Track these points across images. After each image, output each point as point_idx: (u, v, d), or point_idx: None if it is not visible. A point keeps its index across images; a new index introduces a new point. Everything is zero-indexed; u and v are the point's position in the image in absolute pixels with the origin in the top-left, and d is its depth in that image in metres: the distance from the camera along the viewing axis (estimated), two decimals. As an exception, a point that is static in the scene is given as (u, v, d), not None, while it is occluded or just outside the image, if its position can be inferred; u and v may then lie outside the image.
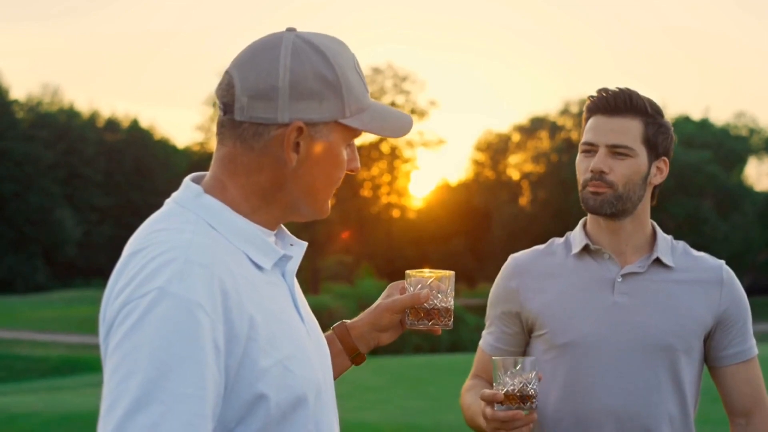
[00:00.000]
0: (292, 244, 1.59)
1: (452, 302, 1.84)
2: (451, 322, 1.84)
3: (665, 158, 2.27)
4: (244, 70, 1.48)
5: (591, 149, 2.22)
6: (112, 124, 52.90)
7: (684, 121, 48.36)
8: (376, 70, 48.53)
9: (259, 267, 1.48)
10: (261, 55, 1.48)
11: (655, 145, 2.23)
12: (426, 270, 1.85)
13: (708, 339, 2.26)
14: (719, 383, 2.30)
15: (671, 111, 57.77)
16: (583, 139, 2.24)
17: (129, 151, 50.71)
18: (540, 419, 2.25)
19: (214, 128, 1.53)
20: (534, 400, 1.93)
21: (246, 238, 1.47)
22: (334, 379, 1.84)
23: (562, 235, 2.37)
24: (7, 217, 45.81)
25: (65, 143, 48.61)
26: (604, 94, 2.23)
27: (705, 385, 2.32)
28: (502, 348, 2.34)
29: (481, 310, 2.39)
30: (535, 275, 2.29)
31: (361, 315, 1.86)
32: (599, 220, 2.26)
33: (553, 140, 47.66)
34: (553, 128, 47.91)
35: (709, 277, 2.26)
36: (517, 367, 1.93)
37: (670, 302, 2.22)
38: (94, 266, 45.75)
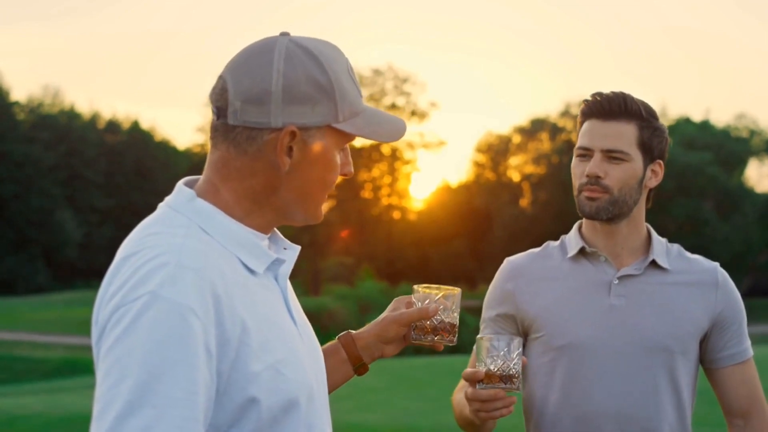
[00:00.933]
0: (285, 248, 1.59)
1: (457, 319, 1.86)
2: (455, 339, 1.86)
3: (660, 161, 2.27)
4: (237, 74, 1.48)
5: (586, 153, 2.22)
6: (112, 125, 52.94)
7: (684, 123, 48.39)
8: (377, 72, 48.54)
9: (251, 271, 1.48)
10: (254, 60, 1.48)
11: (650, 149, 2.23)
12: (433, 286, 1.87)
13: (704, 341, 2.27)
14: (716, 385, 2.31)
15: (672, 112, 57.71)
16: (578, 144, 2.25)
17: (130, 152, 50.75)
18: (538, 421, 2.26)
19: None
20: (516, 381, 1.92)
21: (238, 241, 1.47)
22: (336, 388, 1.85)
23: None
24: (7, 218, 45.83)
25: (66, 145, 48.64)
26: (598, 99, 2.23)
27: (703, 387, 2.32)
28: None
29: (481, 312, 2.39)
30: (531, 278, 2.30)
31: (367, 326, 1.87)
32: (595, 224, 2.27)
33: (553, 142, 47.68)
34: (554, 130, 47.92)
35: (704, 279, 2.27)
36: (500, 347, 1.92)
37: (667, 304, 2.23)
38: (94, 268, 45.75)
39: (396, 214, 50.10)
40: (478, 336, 1.98)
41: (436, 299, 1.84)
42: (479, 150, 51.11)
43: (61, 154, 48.26)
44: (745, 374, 2.29)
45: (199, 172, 1.57)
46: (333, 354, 1.85)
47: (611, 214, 2.21)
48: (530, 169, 48.97)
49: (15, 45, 76.50)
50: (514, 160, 50.28)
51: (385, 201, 49.62)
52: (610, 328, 2.21)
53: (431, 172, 71.51)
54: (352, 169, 1.58)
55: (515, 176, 50.35)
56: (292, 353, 1.47)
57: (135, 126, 53.07)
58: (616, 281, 2.23)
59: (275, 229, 1.60)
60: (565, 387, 2.22)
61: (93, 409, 1.30)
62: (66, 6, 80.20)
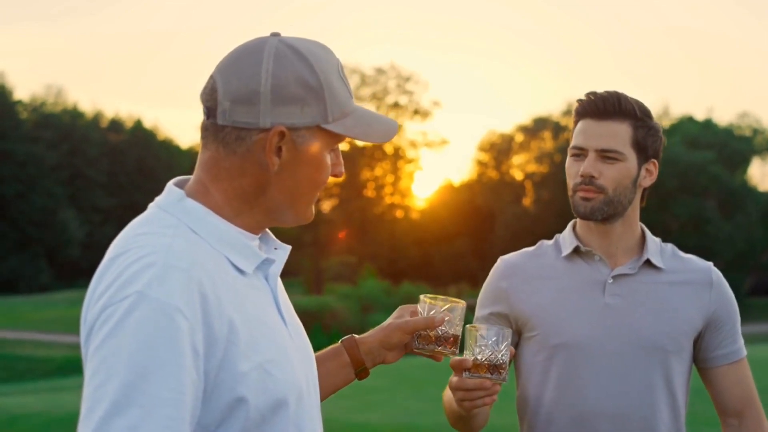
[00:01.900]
0: (276, 248, 1.60)
1: (460, 332, 1.88)
2: (457, 350, 1.87)
3: (654, 160, 2.26)
4: (226, 74, 1.48)
5: (580, 153, 2.22)
6: (115, 124, 52.98)
7: (687, 122, 48.34)
8: (379, 70, 48.54)
9: (240, 271, 1.48)
10: (244, 60, 1.48)
11: (644, 148, 2.22)
12: (440, 297, 1.88)
13: (698, 340, 2.27)
14: (710, 384, 2.31)
15: (674, 111, 57.62)
16: (572, 143, 2.25)
17: (132, 151, 50.78)
18: (532, 421, 2.26)
19: None
20: (503, 371, 1.92)
21: (227, 242, 1.47)
22: (336, 391, 1.86)
23: None
24: (10, 217, 45.87)
25: (69, 144, 48.68)
26: (592, 98, 2.23)
27: (700, 386, 2.32)
28: None
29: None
30: (525, 277, 2.30)
31: (371, 331, 1.88)
32: (589, 223, 2.27)
33: (556, 140, 47.65)
34: (556, 128, 47.89)
35: (698, 279, 2.27)
36: (489, 336, 1.92)
37: (661, 303, 2.23)
38: (97, 267, 45.64)
39: (399, 213, 50.09)
40: (468, 325, 1.98)
41: (442, 311, 1.85)
42: (482, 149, 51.09)
43: (64, 154, 48.30)
44: (739, 374, 2.29)
45: None
46: (335, 357, 1.86)
47: (606, 214, 2.21)
48: (533, 167, 48.94)
49: (17, 45, 76.58)
50: (517, 159, 50.27)
51: (387, 200, 49.61)
52: (604, 328, 2.21)
53: (434, 171, 71.55)
54: (343, 170, 1.59)
55: (518, 175, 50.32)
56: (281, 353, 1.47)
57: (138, 125, 53.10)
58: (611, 280, 2.24)
59: (267, 229, 1.60)
60: (560, 386, 2.22)
61: (81, 408, 1.31)
62: (68, 5, 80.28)
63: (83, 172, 49.02)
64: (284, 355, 1.48)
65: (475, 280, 46.21)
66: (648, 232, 2.31)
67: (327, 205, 48.30)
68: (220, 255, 1.46)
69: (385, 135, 1.58)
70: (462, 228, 47.85)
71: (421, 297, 1.89)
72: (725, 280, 2.32)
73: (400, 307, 1.93)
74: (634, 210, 2.27)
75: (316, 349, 1.98)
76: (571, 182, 2.24)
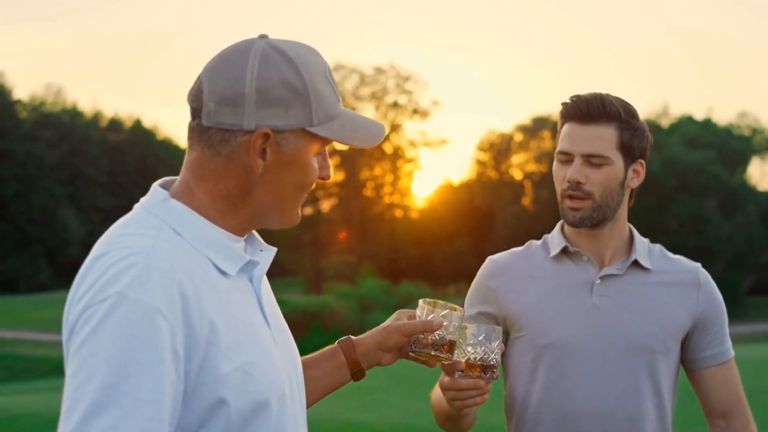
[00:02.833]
0: (261, 250, 1.60)
1: (457, 338, 1.88)
2: (453, 356, 1.87)
3: (642, 161, 2.25)
4: (212, 75, 1.49)
5: (567, 158, 2.22)
6: (115, 124, 52.98)
7: (687, 121, 48.33)
8: (379, 70, 48.55)
9: (223, 272, 1.48)
10: (230, 62, 1.48)
11: (630, 150, 2.21)
12: (439, 302, 1.88)
13: (685, 341, 2.27)
14: (697, 385, 2.31)
15: (674, 111, 57.61)
16: (558, 148, 2.24)
17: (132, 151, 50.79)
18: (520, 420, 2.26)
19: None
20: (495, 371, 1.93)
21: (210, 243, 1.47)
22: (331, 392, 1.86)
23: None
24: (10, 217, 45.87)
25: (68, 143, 48.67)
26: (576, 101, 2.21)
27: (688, 386, 2.32)
28: None
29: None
30: (514, 277, 2.30)
31: (369, 333, 1.88)
32: None
33: (555, 140, 47.62)
34: (556, 128, 47.69)
35: (686, 280, 2.27)
36: (480, 336, 1.93)
37: (648, 304, 2.23)
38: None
39: (398, 213, 50.11)
40: (462, 324, 1.97)
41: (440, 316, 1.85)
42: (481, 148, 51.12)
43: (64, 153, 48.29)
44: (726, 375, 2.29)
45: None
46: (331, 357, 1.85)
47: (595, 221, 2.21)
48: (532, 167, 48.95)
49: (17, 44, 76.57)
50: (516, 159, 50.29)
51: (387, 199, 49.62)
52: (592, 328, 2.21)
53: (433, 170, 71.56)
54: (331, 173, 1.59)
55: (517, 174, 50.34)
56: (263, 355, 1.47)
57: (137, 125, 53.10)
58: (598, 281, 2.24)
59: (253, 231, 1.60)
60: (547, 386, 2.22)
61: (61, 408, 1.32)
62: (68, 5, 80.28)
63: (83, 172, 49.02)
64: (266, 357, 1.48)
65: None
66: (636, 233, 2.31)
67: (326, 205, 48.31)
68: (202, 256, 1.46)
69: (371, 139, 1.57)
70: (461, 227, 47.86)
71: (420, 302, 1.89)
72: (713, 281, 2.32)
73: (398, 310, 1.93)
74: (623, 211, 2.27)
75: (315, 348, 1.98)
76: (558, 187, 2.23)
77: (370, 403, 11.67)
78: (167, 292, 1.35)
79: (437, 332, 1.82)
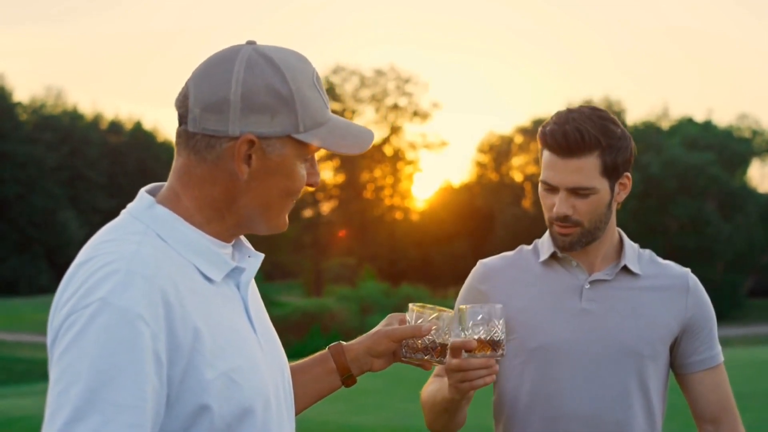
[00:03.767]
0: (250, 256, 1.60)
1: (449, 341, 1.86)
2: (445, 360, 1.86)
3: (627, 173, 2.23)
4: (198, 81, 1.49)
5: (552, 188, 2.19)
6: (115, 126, 52.99)
7: (687, 123, 48.35)
8: (379, 72, 48.55)
9: (208, 279, 1.48)
10: (216, 68, 1.49)
11: (615, 171, 2.18)
12: (428, 306, 1.87)
13: (674, 346, 2.28)
14: (687, 390, 2.31)
15: (674, 112, 57.55)
16: (542, 177, 2.21)
17: (132, 153, 50.80)
18: (508, 423, 2.27)
19: None
20: (503, 347, 1.93)
21: (196, 249, 1.48)
22: (322, 398, 1.85)
23: None
24: (10, 219, 45.87)
25: (69, 145, 48.68)
26: (554, 133, 2.16)
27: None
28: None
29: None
30: (504, 281, 2.30)
31: (359, 338, 1.87)
32: None
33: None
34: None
35: (675, 284, 2.27)
36: (479, 316, 1.92)
37: (637, 309, 2.24)
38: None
39: (398, 215, 50.12)
40: (460, 306, 1.97)
41: (429, 319, 1.84)
42: (481, 150, 51.14)
43: (64, 155, 48.30)
44: (716, 379, 2.29)
45: None
46: (321, 363, 1.85)
47: (585, 244, 2.21)
48: (532, 169, 48.94)
49: (17, 46, 76.60)
50: (516, 161, 50.30)
51: (387, 201, 49.63)
52: (581, 332, 2.22)
53: (433, 172, 71.33)
54: (319, 180, 1.58)
55: (517, 176, 50.35)
56: (248, 361, 1.47)
57: (137, 127, 53.11)
58: (588, 286, 2.24)
59: (242, 237, 1.61)
60: (536, 389, 2.22)
61: (45, 414, 1.33)
62: (68, 7, 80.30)
63: (83, 174, 49.02)
64: (252, 364, 1.48)
65: (475, 281, 46.10)
66: (626, 238, 2.31)
67: (327, 207, 48.31)
68: (187, 262, 1.46)
69: (359, 146, 1.57)
70: (461, 229, 47.86)
71: (410, 306, 1.88)
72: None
73: (389, 315, 1.92)
74: (612, 222, 2.26)
75: (314, 350, 1.98)
76: (546, 213, 2.23)
77: (368, 406, 11.66)
78: (150, 298, 1.35)
79: (427, 337, 1.82)
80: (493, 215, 47.66)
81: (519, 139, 49.80)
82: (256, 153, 1.47)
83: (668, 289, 2.27)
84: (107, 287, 1.34)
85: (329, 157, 46.05)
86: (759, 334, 31.74)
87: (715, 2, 78.00)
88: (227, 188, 1.49)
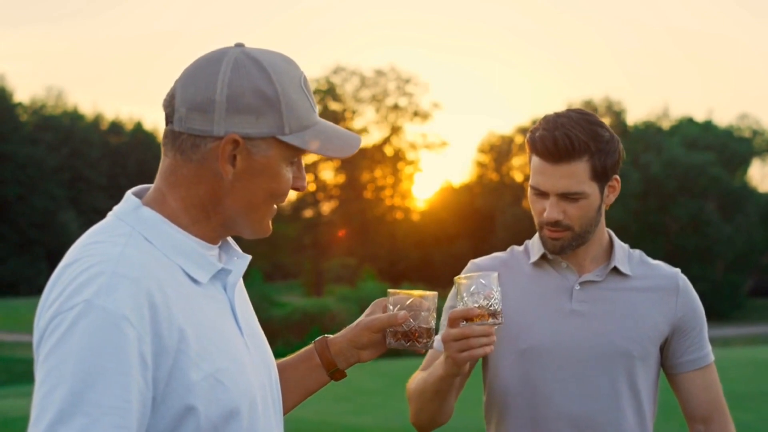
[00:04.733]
0: (237, 258, 1.60)
1: (433, 323, 1.83)
2: (430, 343, 1.83)
3: (616, 176, 2.23)
4: (185, 82, 1.50)
5: (541, 193, 2.19)
6: (116, 126, 53.02)
7: (687, 123, 48.35)
8: (379, 73, 48.55)
9: (194, 280, 1.48)
10: (203, 69, 1.49)
11: (604, 174, 2.18)
12: (402, 291, 1.85)
13: (665, 346, 2.28)
14: (678, 390, 2.31)
15: (674, 112, 57.55)
16: (531, 182, 2.21)
17: (133, 154, 50.80)
18: (499, 424, 2.27)
19: None
20: (501, 316, 1.92)
21: (181, 251, 1.48)
22: (312, 393, 1.84)
23: None
24: (11, 220, 45.87)
25: (69, 146, 48.70)
26: (543, 139, 2.16)
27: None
28: None
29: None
30: None
31: (343, 331, 1.85)
32: None
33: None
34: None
35: (665, 285, 2.28)
36: (482, 284, 1.91)
37: (628, 310, 2.24)
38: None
39: (398, 215, 50.12)
40: (456, 277, 1.96)
41: (409, 303, 1.81)
42: (482, 150, 51.14)
43: (65, 156, 48.31)
44: (706, 379, 2.29)
45: None
46: (307, 359, 1.84)
47: (574, 247, 2.22)
48: (533, 169, 48.93)
49: (18, 47, 76.62)
50: (517, 161, 50.28)
51: (387, 202, 49.63)
52: (570, 333, 2.22)
53: (434, 172, 71.42)
54: (306, 184, 1.58)
55: (518, 177, 50.33)
56: (234, 363, 1.47)
57: (138, 127, 53.12)
58: (578, 287, 2.24)
59: (229, 238, 1.61)
60: (525, 390, 2.22)
61: (30, 416, 1.33)
62: (70, 9, 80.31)
63: (84, 175, 49.03)
64: (238, 365, 1.48)
65: (476, 281, 46.06)
66: (615, 239, 2.32)
67: (327, 207, 48.30)
68: (173, 264, 1.46)
69: (346, 150, 1.56)
70: (462, 230, 47.87)
71: (389, 291, 1.86)
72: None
73: (373, 302, 1.89)
74: (601, 224, 2.26)
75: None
76: (536, 218, 2.22)
77: (368, 406, 11.66)
78: (135, 299, 1.36)
79: (410, 322, 1.79)
80: (493, 215, 47.65)
81: (519, 139, 49.78)
82: (240, 153, 1.48)
83: (658, 290, 2.27)
84: (92, 289, 1.35)
85: (330, 157, 45.99)
86: (759, 334, 31.70)
87: (715, 3, 78.03)
88: (212, 189, 1.49)
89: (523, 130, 49.50)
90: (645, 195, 42.30)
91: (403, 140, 49.01)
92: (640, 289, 2.26)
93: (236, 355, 1.49)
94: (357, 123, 47.98)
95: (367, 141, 48.07)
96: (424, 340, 1.81)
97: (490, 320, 1.89)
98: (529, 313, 2.25)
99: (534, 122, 2.30)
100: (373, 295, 30.55)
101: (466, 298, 1.92)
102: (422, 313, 1.81)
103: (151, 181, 1.58)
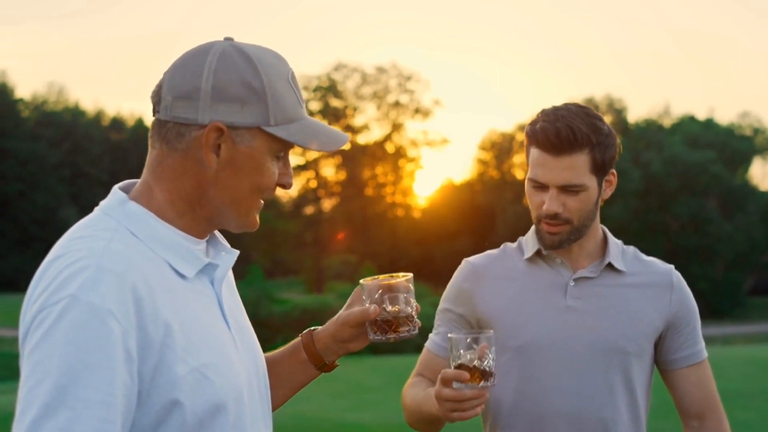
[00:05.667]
0: (225, 253, 1.59)
1: (412, 307, 1.76)
2: (413, 329, 1.76)
3: (613, 170, 2.23)
4: (173, 72, 1.50)
5: (541, 186, 2.18)
6: (117, 123, 53.03)
7: (688, 121, 48.30)
8: (381, 70, 48.52)
9: (181, 275, 1.48)
10: (190, 59, 1.50)
11: (603, 167, 2.19)
12: (368, 281, 1.77)
13: (659, 342, 2.28)
14: (671, 386, 2.31)
15: (676, 110, 57.48)
16: (530, 174, 2.19)
17: (134, 150, 50.77)
18: (494, 421, 2.27)
19: None
20: (493, 378, 1.88)
21: (167, 245, 1.48)
22: (302, 387, 1.82)
23: None
24: (12, 216, 45.89)
25: (70, 142, 48.71)
26: (545, 131, 2.14)
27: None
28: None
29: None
30: (489, 279, 2.30)
31: (327, 325, 1.81)
32: None
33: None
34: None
35: (659, 281, 2.28)
36: (477, 344, 1.88)
37: (622, 306, 2.24)
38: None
39: (399, 212, 50.10)
40: (450, 335, 1.94)
41: (379, 293, 1.74)
42: (483, 148, 51.12)
43: (66, 152, 48.32)
44: (700, 376, 2.29)
45: None
46: (293, 355, 1.82)
47: (572, 242, 2.21)
48: (534, 167, 48.90)
49: (20, 44, 76.62)
50: (518, 158, 50.24)
51: (388, 199, 49.61)
52: (565, 330, 2.21)
53: (435, 170, 71.50)
54: (292, 182, 1.57)
55: (519, 174, 50.27)
56: (221, 358, 1.47)
57: (139, 123, 53.12)
58: (572, 283, 2.24)
59: (217, 233, 1.61)
60: (520, 387, 2.22)
61: (16, 411, 1.33)
62: (71, 6, 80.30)
63: (85, 171, 49.05)
64: (224, 360, 1.48)
65: (476, 279, 46.03)
66: (610, 235, 2.31)
67: (328, 204, 48.30)
68: (159, 259, 1.46)
69: (332, 145, 1.55)
70: (463, 227, 47.86)
71: (360, 282, 1.79)
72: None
73: (353, 292, 1.83)
74: (596, 219, 2.26)
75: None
76: (534, 212, 2.21)
77: (366, 403, 11.66)
78: (120, 294, 1.35)
79: (388, 312, 1.73)
80: (494, 213, 47.63)
81: (520, 136, 49.70)
82: (225, 143, 1.48)
83: (652, 286, 2.27)
84: (77, 283, 1.34)
85: (331, 154, 46.02)
86: (760, 332, 31.68)
87: (716, 2, 77.97)
88: (197, 180, 1.49)
89: (524, 128, 49.32)
90: (646, 193, 42.27)
91: (405, 137, 49.00)
92: (635, 286, 2.26)
93: (223, 349, 1.49)
94: (358, 120, 47.98)
95: (369, 138, 48.08)
96: (406, 328, 1.75)
97: (481, 383, 1.86)
98: (523, 310, 2.24)
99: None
100: (373, 292, 30.59)
101: (461, 354, 1.88)
102: (399, 297, 1.75)
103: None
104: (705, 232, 42.34)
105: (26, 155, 46.15)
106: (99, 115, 52.73)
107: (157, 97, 1.51)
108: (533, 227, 2.32)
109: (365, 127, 48.09)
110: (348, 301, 1.82)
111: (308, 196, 46.97)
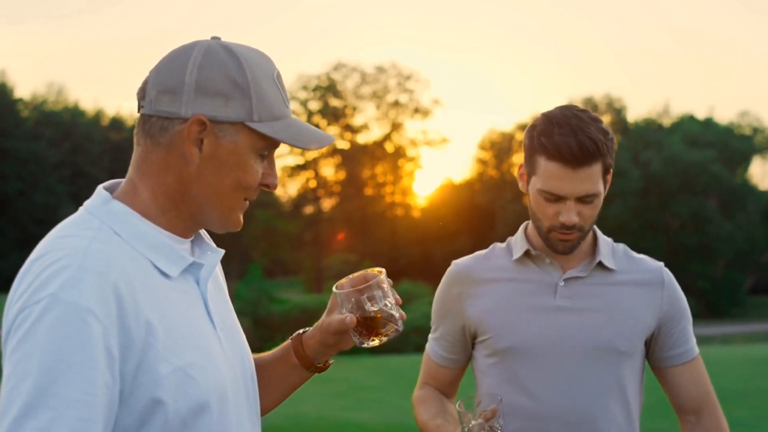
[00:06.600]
0: (210, 252, 1.59)
1: (390, 303, 1.69)
2: (398, 327, 1.69)
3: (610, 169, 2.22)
4: (158, 68, 1.51)
5: (557, 198, 2.15)
6: (116, 122, 53.01)
7: (688, 120, 48.30)
8: (380, 69, 48.49)
9: (164, 274, 1.48)
10: (176, 56, 1.51)
11: (607, 170, 2.18)
12: (341, 284, 1.71)
13: (651, 340, 2.27)
14: (665, 384, 2.31)
15: (675, 110, 57.51)
16: (544, 186, 2.14)
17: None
18: None
19: None
20: None
21: (151, 245, 1.48)
22: (295, 389, 1.81)
23: None
24: (12, 215, 45.89)
25: (70, 142, 48.69)
26: (568, 144, 2.09)
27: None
28: (449, 357, 2.36)
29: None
30: (476, 281, 2.29)
31: (312, 330, 1.78)
32: None
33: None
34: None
35: (650, 279, 2.27)
36: (481, 411, 1.92)
37: (613, 305, 2.23)
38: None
39: (399, 212, 50.07)
40: (457, 407, 1.96)
41: (352, 302, 1.67)
42: (482, 147, 51.11)
43: (66, 152, 48.31)
44: (694, 372, 2.29)
45: None
46: (284, 359, 1.80)
47: (580, 243, 2.21)
48: (533, 166, 48.89)
49: (20, 43, 76.62)
50: (518, 158, 50.12)
51: (388, 198, 49.58)
52: (556, 330, 2.21)
53: (434, 169, 71.40)
54: (277, 182, 1.56)
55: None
56: (204, 357, 1.47)
57: (139, 123, 53.06)
58: (562, 283, 2.24)
59: (203, 232, 1.61)
60: (512, 388, 2.21)
61: None
62: (72, 6, 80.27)
63: (85, 170, 49.02)
64: (208, 359, 1.47)
65: (476, 278, 46.01)
66: (599, 233, 2.31)
67: (327, 204, 48.30)
68: (143, 258, 1.46)
69: (316, 143, 1.53)
70: (462, 226, 47.86)
71: (333, 289, 1.70)
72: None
73: (331, 296, 1.75)
74: None
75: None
76: (546, 222, 2.18)
77: (365, 402, 11.66)
78: (101, 293, 1.35)
79: (370, 312, 1.67)
80: (494, 212, 47.63)
81: (520, 136, 49.56)
82: (207, 137, 1.48)
83: (643, 284, 2.26)
84: (58, 282, 1.34)
85: (330, 153, 46.04)
86: (760, 331, 31.68)
87: (716, 1, 77.96)
88: (180, 175, 1.49)
89: (523, 127, 49.41)
90: (645, 192, 42.27)
91: (404, 137, 48.98)
92: (626, 284, 2.25)
93: (207, 348, 1.48)
94: (357, 119, 47.95)
95: (368, 137, 48.04)
96: (390, 328, 1.68)
97: None
98: (512, 310, 2.24)
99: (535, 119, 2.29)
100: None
101: (467, 426, 1.92)
102: (376, 296, 1.68)
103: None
104: (705, 231, 42.34)
105: (26, 155, 46.14)
106: (99, 115, 52.72)
107: (142, 93, 1.51)
108: (522, 228, 2.32)
109: (365, 126, 48.07)
110: (328, 306, 1.76)
111: (308, 196, 46.95)
